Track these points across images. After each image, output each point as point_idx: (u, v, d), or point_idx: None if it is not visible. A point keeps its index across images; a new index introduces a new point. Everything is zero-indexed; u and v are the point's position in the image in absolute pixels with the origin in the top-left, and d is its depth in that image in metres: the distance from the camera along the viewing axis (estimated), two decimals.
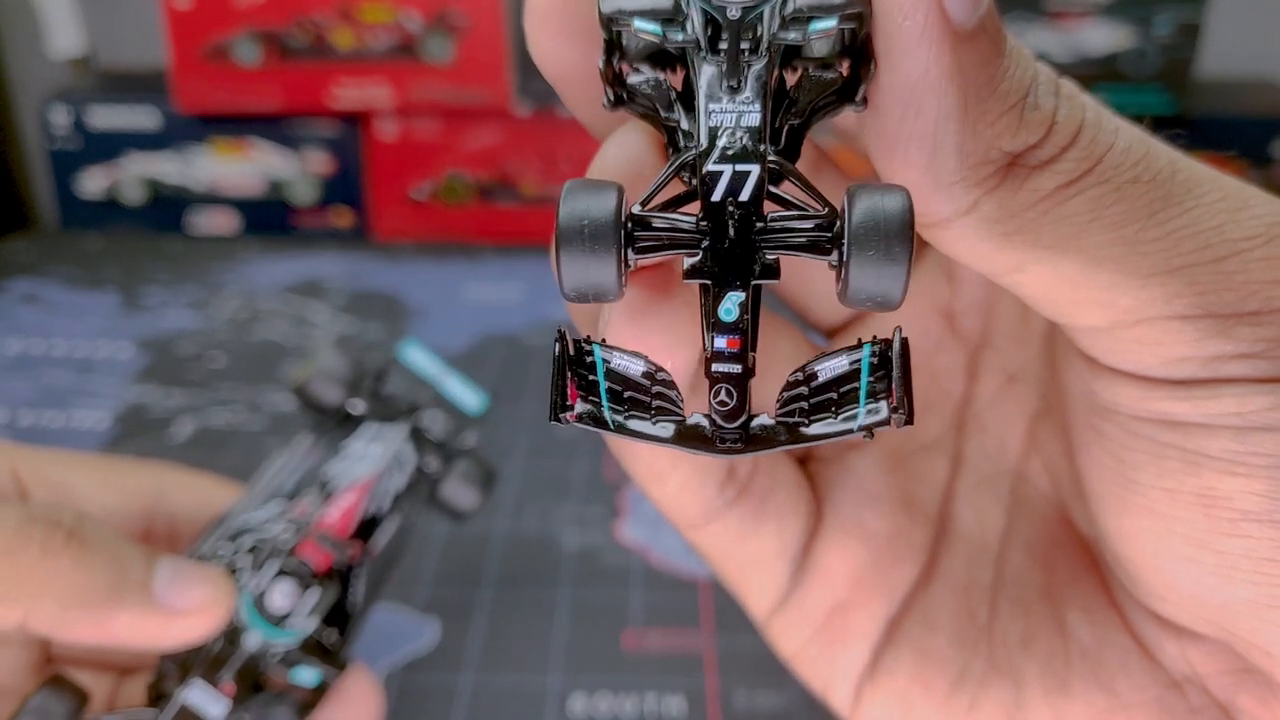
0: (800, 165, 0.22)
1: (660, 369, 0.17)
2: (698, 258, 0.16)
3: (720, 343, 0.16)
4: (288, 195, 0.83)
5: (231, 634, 0.31)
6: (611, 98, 0.18)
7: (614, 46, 0.18)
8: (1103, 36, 0.77)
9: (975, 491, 0.25)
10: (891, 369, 0.16)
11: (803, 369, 0.16)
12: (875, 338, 0.16)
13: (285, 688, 0.32)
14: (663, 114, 0.18)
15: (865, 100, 0.17)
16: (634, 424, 0.17)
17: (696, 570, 0.48)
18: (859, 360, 0.16)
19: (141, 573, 0.29)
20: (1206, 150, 0.81)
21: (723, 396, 0.16)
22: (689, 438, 0.16)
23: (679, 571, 0.48)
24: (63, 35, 0.87)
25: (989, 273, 0.18)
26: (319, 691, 0.32)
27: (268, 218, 0.84)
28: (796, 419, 0.16)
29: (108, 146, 0.82)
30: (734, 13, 0.16)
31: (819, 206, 0.16)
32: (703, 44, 0.16)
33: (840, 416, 0.16)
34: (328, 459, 0.36)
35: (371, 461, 0.36)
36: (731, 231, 0.16)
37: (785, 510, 0.24)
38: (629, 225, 0.16)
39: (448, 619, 0.45)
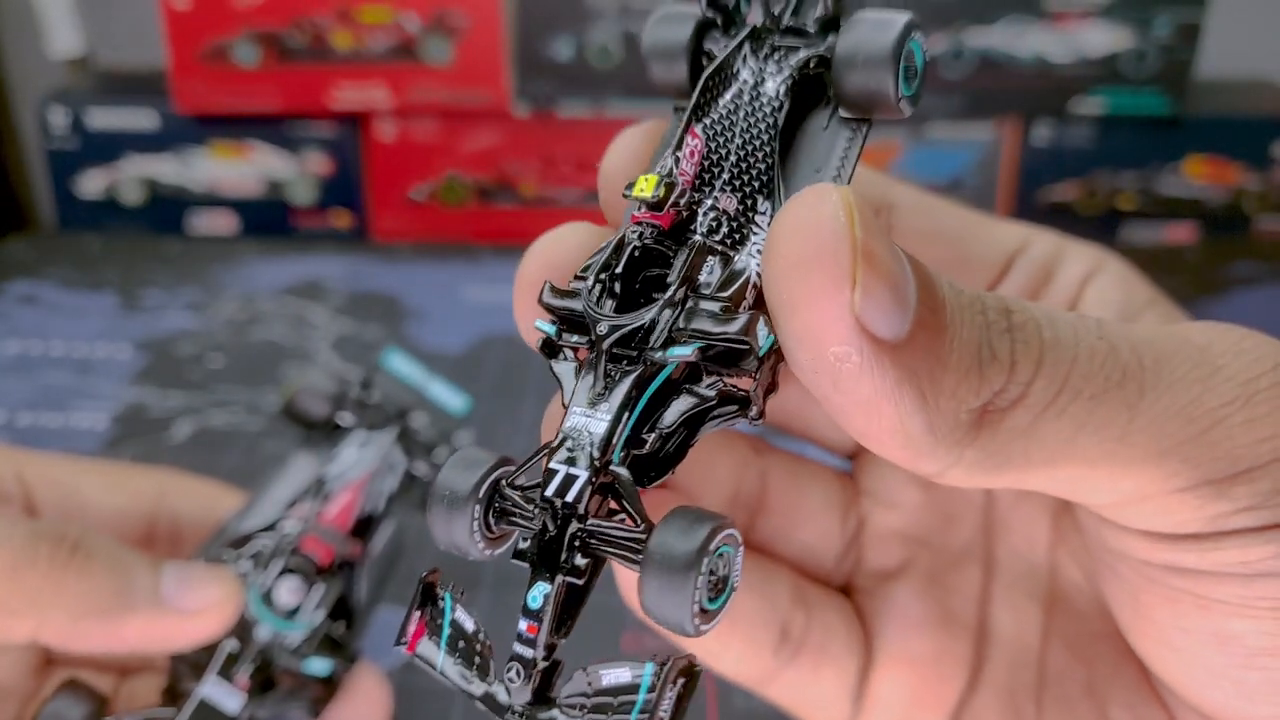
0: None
1: (484, 631, 0.19)
2: (528, 543, 0.18)
3: (521, 625, 0.18)
4: (287, 196, 0.83)
5: (243, 630, 0.31)
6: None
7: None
8: (1102, 37, 0.77)
9: (1010, 593, 0.25)
10: (667, 692, 0.17)
11: (587, 669, 0.18)
12: (661, 662, 0.17)
13: (296, 684, 0.32)
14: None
15: (762, 414, 0.18)
16: (456, 673, 0.19)
17: None
18: (640, 677, 0.17)
19: (148, 578, 0.30)
20: (1206, 151, 0.81)
21: (512, 675, 0.18)
22: (489, 701, 0.18)
23: None
24: (61, 35, 0.87)
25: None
26: (331, 687, 0.32)
27: (267, 219, 0.83)
28: (574, 715, 0.18)
29: (106, 147, 0.82)
30: (603, 329, 0.18)
31: (637, 522, 0.18)
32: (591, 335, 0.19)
33: None
34: (321, 467, 0.37)
35: (363, 464, 0.37)
36: (552, 527, 0.18)
37: (842, 652, 0.25)
38: (488, 496, 0.18)
39: None
